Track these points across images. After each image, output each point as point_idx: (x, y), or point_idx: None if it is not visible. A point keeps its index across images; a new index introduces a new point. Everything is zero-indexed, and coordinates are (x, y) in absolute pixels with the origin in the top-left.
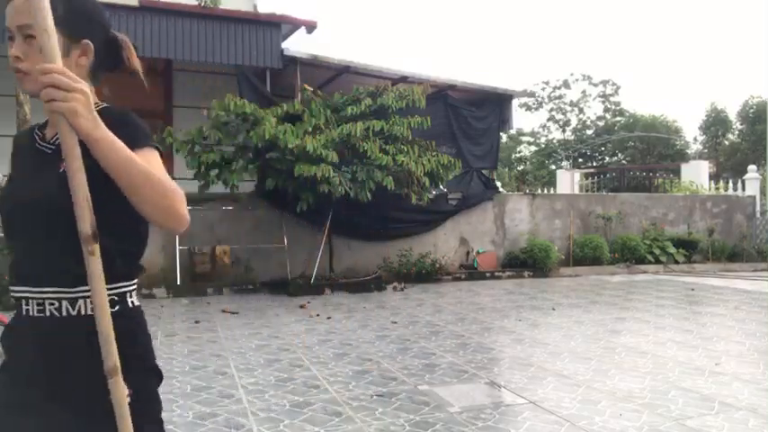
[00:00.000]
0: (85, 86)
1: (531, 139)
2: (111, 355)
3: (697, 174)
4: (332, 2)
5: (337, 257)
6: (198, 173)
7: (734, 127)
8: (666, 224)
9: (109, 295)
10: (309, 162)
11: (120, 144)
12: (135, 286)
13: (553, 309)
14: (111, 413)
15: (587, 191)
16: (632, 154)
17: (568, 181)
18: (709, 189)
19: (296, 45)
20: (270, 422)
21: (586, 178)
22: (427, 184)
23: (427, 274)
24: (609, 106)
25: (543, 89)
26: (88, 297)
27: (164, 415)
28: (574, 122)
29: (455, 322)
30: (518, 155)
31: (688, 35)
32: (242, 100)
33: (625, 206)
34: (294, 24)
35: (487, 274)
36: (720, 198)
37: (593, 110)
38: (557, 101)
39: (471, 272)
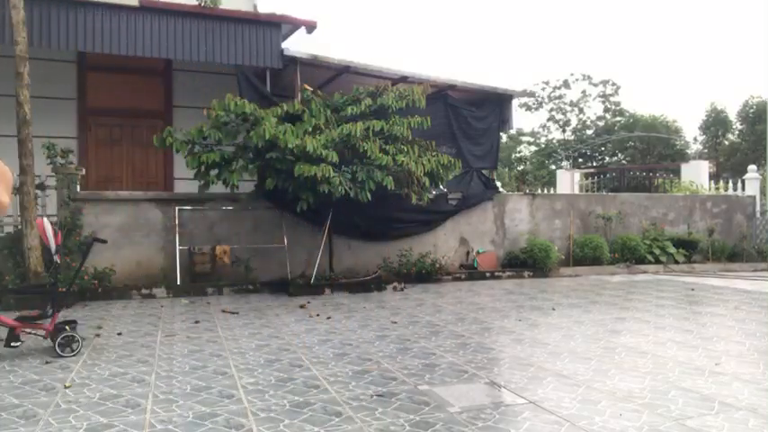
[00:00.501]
0: None
1: (531, 139)
2: None
3: (697, 174)
4: (332, 2)
5: (337, 257)
6: (198, 173)
7: (734, 127)
8: (666, 224)
9: None
10: (309, 162)
11: None
12: None
13: (553, 309)
14: None
15: (587, 191)
16: (632, 154)
17: (568, 181)
18: (709, 189)
19: (296, 45)
20: (270, 422)
21: (586, 178)
22: (427, 184)
23: (427, 274)
24: (609, 106)
25: (543, 89)
26: None
27: (164, 415)
28: (574, 122)
29: (455, 322)
30: (518, 155)
31: (688, 35)
32: (242, 100)
33: (625, 206)
34: (294, 24)
35: (487, 274)
36: (720, 198)
37: (593, 110)
38: (557, 101)
39: (471, 272)
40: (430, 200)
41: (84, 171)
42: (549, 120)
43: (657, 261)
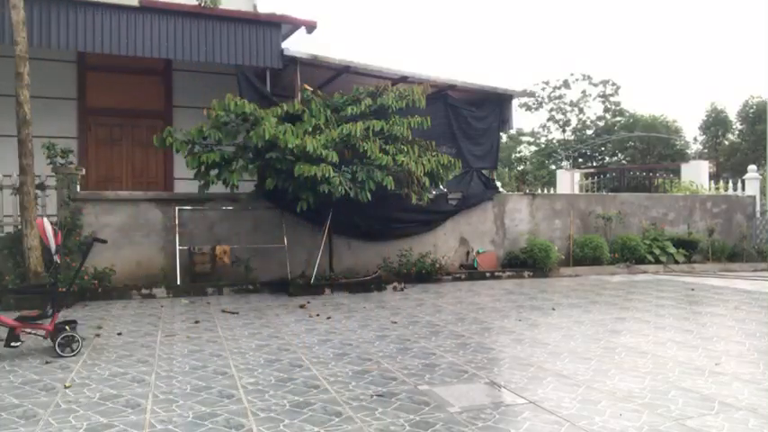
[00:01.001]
0: None
1: (531, 139)
2: None
3: (697, 174)
4: (332, 2)
5: (337, 257)
6: (198, 173)
7: (734, 127)
8: (666, 224)
9: None
10: (309, 162)
11: None
12: None
13: (553, 309)
14: None
15: (587, 191)
16: (632, 154)
17: (568, 181)
18: (709, 189)
19: (296, 45)
20: (270, 422)
21: (586, 178)
22: (427, 184)
23: (427, 274)
24: (609, 106)
25: (543, 89)
26: None
27: (164, 415)
28: (574, 122)
29: (455, 322)
30: (518, 155)
31: (688, 35)
32: (242, 100)
33: (625, 206)
34: (294, 24)
35: (487, 274)
36: (720, 198)
37: (593, 110)
38: (557, 101)
39: (471, 272)
40: (430, 200)
41: (84, 171)
42: (549, 120)
43: (657, 261)
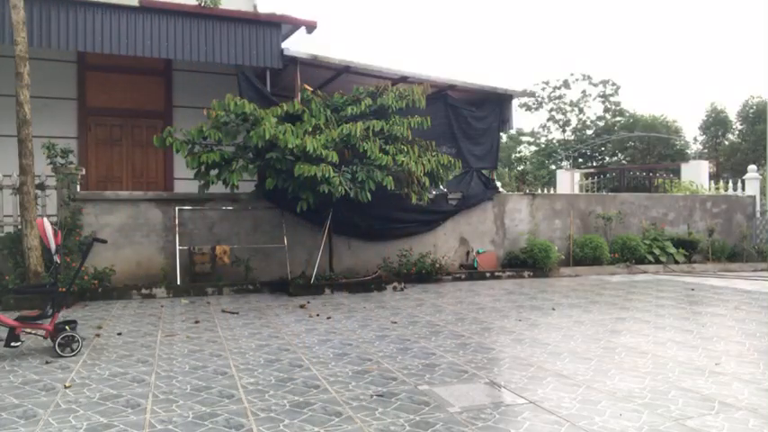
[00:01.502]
0: None
1: (531, 139)
2: None
3: (697, 174)
4: (332, 2)
5: (337, 257)
6: (198, 173)
7: (734, 127)
8: (666, 224)
9: None
10: (309, 162)
11: None
12: None
13: (553, 309)
14: None
15: (587, 191)
16: (632, 154)
17: (568, 181)
18: (709, 189)
19: (296, 45)
20: (270, 422)
21: (586, 178)
22: (427, 184)
23: (427, 274)
24: (609, 106)
25: (543, 89)
26: None
27: (164, 415)
28: (574, 122)
29: (455, 322)
30: (518, 155)
31: (688, 35)
32: (242, 100)
33: (625, 206)
34: (294, 24)
35: (487, 274)
36: (720, 198)
37: (593, 110)
38: (557, 101)
39: (471, 272)
40: (430, 200)
41: (84, 171)
42: (549, 120)
43: (657, 261)
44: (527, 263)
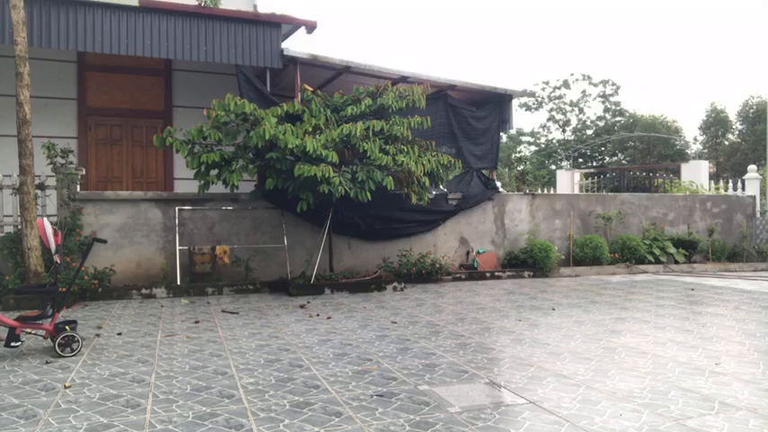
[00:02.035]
0: None
1: (531, 139)
2: None
3: (697, 174)
4: (332, 2)
5: (337, 257)
6: (198, 173)
7: (734, 127)
8: (666, 224)
9: None
10: (309, 162)
11: None
12: None
13: (553, 309)
14: None
15: (587, 191)
16: (632, 154)
17: (568, 181)
18: (709, 189)
19: (296, 45)
20: (270, 422)
21: (586, 178)
22: (427, 183)
23: (427, 274)
24: (609, 106)
25: (543, 89)
26: None
27: (164, 415)
28: (574, 122)
29: (455, 322)
30: (518, 155)
31: (688, 35)
32: (242, 100)
33: (625, 206)
34: (294, 24)
35: (487, 274)
36: (720, 198)
37: (593, 110)
38: (557, 101)
39: (471, 272)
40: (430, 200)
41: (84, 171)
42: (549, 120)
43: (657, 261)
44: (527, 263)
